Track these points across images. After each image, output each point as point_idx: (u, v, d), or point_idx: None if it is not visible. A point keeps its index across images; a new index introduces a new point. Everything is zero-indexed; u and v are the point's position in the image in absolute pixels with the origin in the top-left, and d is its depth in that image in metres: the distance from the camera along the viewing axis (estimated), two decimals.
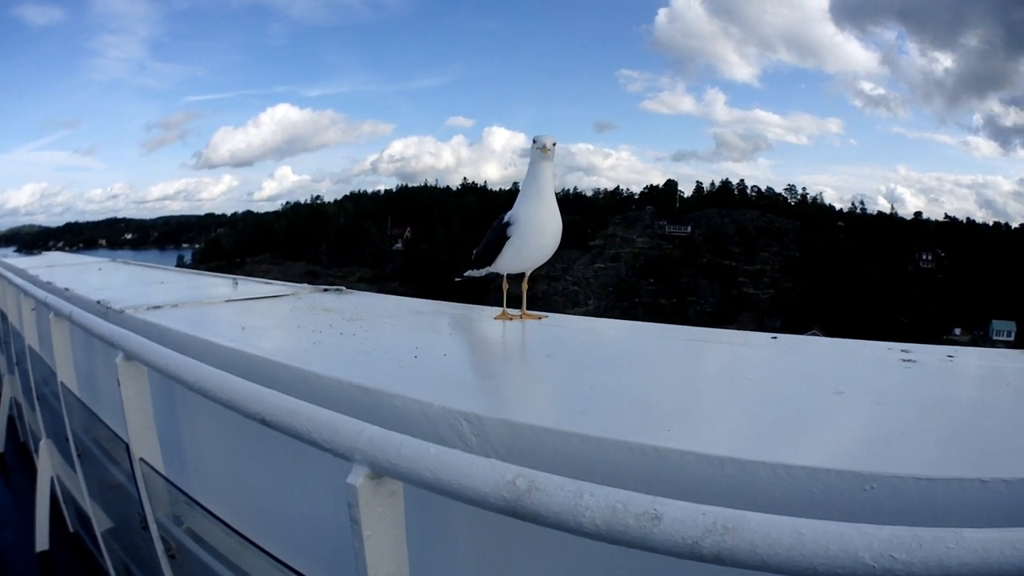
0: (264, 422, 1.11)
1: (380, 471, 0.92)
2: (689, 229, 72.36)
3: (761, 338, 1.61)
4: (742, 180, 78.82)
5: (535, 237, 1.64)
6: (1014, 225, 72.29)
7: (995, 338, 56.03)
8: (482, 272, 1.86)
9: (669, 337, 1.66)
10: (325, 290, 2.32)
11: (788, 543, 0.68)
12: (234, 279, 2.51)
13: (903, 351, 1.61)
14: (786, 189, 77.57)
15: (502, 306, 1.87)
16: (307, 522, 1.37)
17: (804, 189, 78.25)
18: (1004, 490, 0.85)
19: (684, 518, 0.72)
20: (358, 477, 0.93)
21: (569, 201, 77.18)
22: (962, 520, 0.82)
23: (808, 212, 75.34)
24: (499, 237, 1.66)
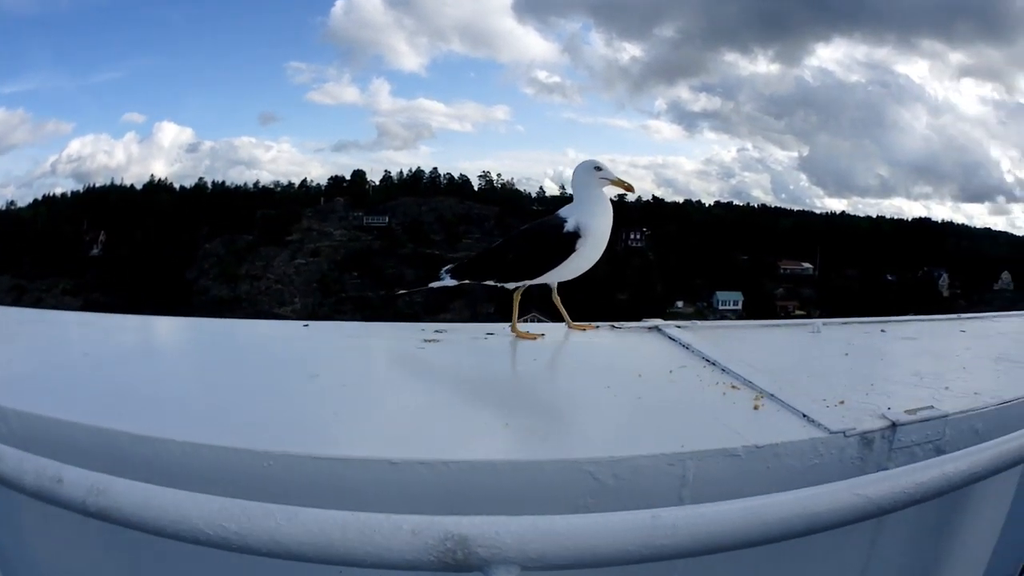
0: None
1: None
2: (387, 220, 68.86)
3: (292, 327, 1.71)
4: (435, 168, 76.27)
5: (601, 247, 1.67)
6: (707, 203, 75.86)
7: (721, 308, 56.30)
8: (488, 284, 1.72)
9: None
10: None
11: (157, 504, 0.74)
12: None
13: (436, 331, 1.65)
14: (480, 176, 75.28)
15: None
16: None
17: (499, 175, 76.54)
18: (426, 472, 0.86)
19: (77, 481, 0.79)
20: None
21: (254, 196, 71.54)
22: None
23: (506, 198, 73.10)
24: (563, 247, 1.62)
